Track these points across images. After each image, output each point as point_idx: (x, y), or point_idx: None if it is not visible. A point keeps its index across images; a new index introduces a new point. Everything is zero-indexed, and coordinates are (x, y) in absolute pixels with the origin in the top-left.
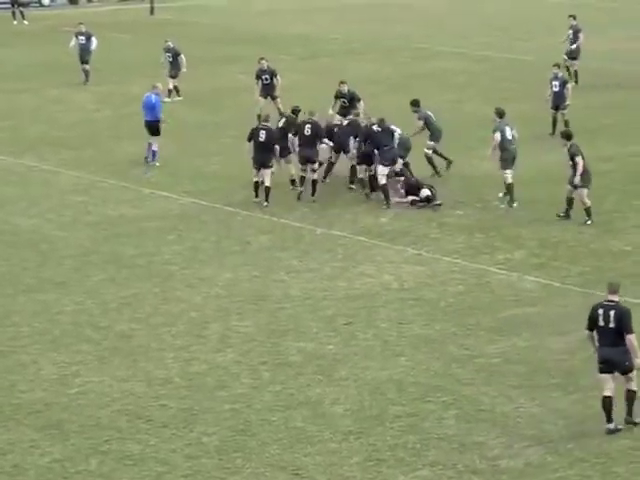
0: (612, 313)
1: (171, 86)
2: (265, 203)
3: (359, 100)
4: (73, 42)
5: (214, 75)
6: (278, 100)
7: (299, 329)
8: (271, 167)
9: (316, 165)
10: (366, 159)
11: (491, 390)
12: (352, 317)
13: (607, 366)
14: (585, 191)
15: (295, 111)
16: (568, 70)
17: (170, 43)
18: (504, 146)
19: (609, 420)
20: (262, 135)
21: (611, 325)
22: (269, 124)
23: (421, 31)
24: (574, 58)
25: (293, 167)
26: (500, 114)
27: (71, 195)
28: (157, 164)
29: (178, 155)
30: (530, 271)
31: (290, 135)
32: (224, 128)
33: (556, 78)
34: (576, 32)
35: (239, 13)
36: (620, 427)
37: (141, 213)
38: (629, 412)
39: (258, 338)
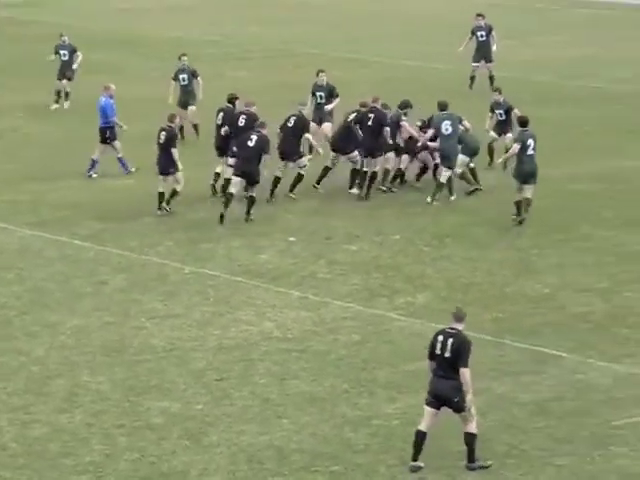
0: (450, 341)
1: (68, 89)
2: (167, 206)
3: (337, 96)
4: None
5: (74, 86)
6: (193, 108)
7: (162, 385)
8: (173, 173)
9: (302, 160)
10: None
11: (389, 458)
12: (225, 372)
13: (436, 401)
14: (522, 187)
15: (232, 100)
16: (473, 78)
17: (66, 37)
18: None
19: (415, 458)
20: (162, 137)
21: (446, 354)
22: (173, 125)
23: (312, 34)
24: (490, 60)
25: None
26: (442, 106)
27: None
28: (133, 169)
29: (18, 179)
30: (436, 318)
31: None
32: (84, 146)
33: (499, 105)
34: (490, 31)
35: (95, 11)
36: (421, 465)
37: None
38: (470, 458)
39: (113, 396)
